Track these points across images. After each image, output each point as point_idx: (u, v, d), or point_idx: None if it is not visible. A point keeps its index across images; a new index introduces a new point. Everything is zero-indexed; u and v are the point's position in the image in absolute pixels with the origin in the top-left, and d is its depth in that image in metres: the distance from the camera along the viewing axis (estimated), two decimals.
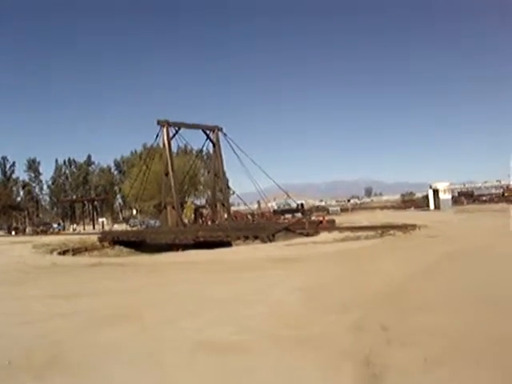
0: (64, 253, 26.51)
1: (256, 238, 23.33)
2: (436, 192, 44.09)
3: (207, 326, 6.54)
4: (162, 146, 34.29)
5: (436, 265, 11.02)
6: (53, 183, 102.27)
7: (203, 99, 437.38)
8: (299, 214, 42.13)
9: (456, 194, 61.12)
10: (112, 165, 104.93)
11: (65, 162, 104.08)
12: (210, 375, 4.69)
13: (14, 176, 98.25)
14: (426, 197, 47.93)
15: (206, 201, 60.02)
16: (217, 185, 38.50)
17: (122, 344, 5.93)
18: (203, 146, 39.49)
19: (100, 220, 61.50)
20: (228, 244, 23.70)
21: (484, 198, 60.63)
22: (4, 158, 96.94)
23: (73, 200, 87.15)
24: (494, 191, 70.25)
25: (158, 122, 33.38)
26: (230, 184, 60.53)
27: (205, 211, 46.29)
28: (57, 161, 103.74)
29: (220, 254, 18.80)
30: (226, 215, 36.46)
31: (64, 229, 59.60)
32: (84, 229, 55.21)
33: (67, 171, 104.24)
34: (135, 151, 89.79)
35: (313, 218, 34.40)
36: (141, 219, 54.61)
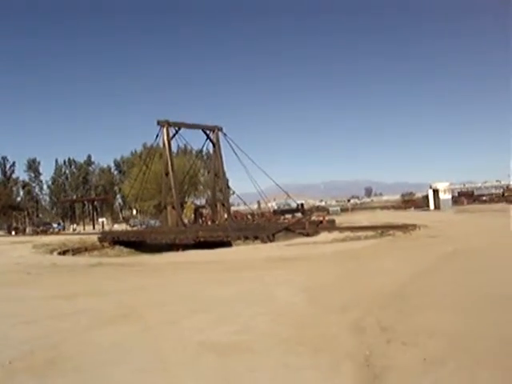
0: (64, 253, 26.56)
1: (256, 238, 23.35)
2: (436, 192, 44.10)
3: (208, 326, 6.56)
4: (162, 145, 34.29)
5: (437, 265, 11.04)
6: (53, 183, 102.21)
7: (203, 99, 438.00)
8: (299, 214, 42.11)
9: (456, 194, 61.15)
10: (112, 165, 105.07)
11: (65, 161, 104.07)
12: (212, 375, 4.69)
13: (14, 176, 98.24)
14: (426, 197, 47.93)
15: (206, 201, 60.04)
16: (217, 185, 38.50)
17: (124, 344, 5.93)
18: (203, 146, 39.56)
19: (100, 220, 61.49)
20: (228, 244, 23.73)
21: (484, 198, 60.62)
22: (4, 158, 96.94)
23: (73, 200, 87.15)
24: (494, 191, 70.35)
25: (158, 122, 33.39)
26: (230, 184, 60.50)
27: (205, 211, 46.32)
28: (57, 161, 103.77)
29: (220, 254, 18.82)
30: (226, 215, 36.48)
31: (64, 229, 59.61)
32: (84, 229, 55.22)
33: (67, 171, 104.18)
34: (135, 151, 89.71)
35: (313, 218, 34.38)
36: (141, 219, 54.60)
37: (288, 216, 44.37)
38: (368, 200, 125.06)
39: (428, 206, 45.42)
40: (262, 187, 36.82)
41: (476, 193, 68.06)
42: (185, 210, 44.99)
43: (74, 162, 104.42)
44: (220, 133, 36.46)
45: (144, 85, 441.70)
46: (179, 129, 34.74)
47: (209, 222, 39.44)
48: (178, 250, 24.77)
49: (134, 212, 60.38)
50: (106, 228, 49.61)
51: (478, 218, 27.71)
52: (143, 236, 31.63)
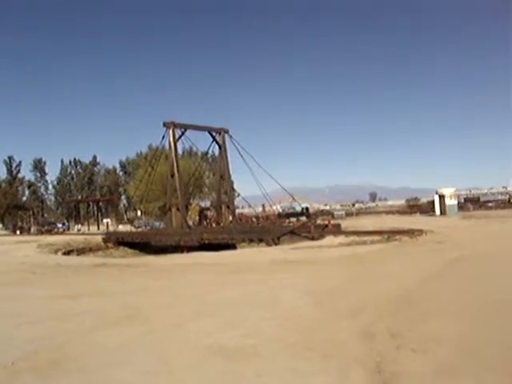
0: (69, 253, 26.65)
1: (261, 240, 23.29)
2: (442, 197, 44.01)
3: (215, 329, 6.48)
4: (167, 147, 34.38)
5: (443, 270, 10.94)
6: (58, 183, 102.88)
7: (209, 101, 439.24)
8: (304, 218, 42.04)
9: (462, 200, 60.96)
10: (117, 166, 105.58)
11: (70, 162, 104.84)
12: (219, 379, 4.62)
13: (19, 176, 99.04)
14: (432, 202, 47.85)
15: (211, 203, 60.06)
16: (222, 187, 38.50)
17: (129, 346, 5.87)
18: (209, 148, 39.64)
19: (105, 221, 61.75)
20: (233, 246, 23.69)
21: (490, 205, 60.48)
22: (10, 158, 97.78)
23: (78, 200, 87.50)
24: (500, 197, 70.05)
25: (164, 124, 33.48)
26: (235, 186, 60.44)
27: (210, 213, 46.34)
28: (62, 161, 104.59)
29: (225, 256, 18.77)
30: (230, 218, 36.45)
31: (69, 229, 59.81)
32: (88, 229, 55.35)
33: (73, 171, 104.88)
34: (141, 152, 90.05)
35: (318, 221, 34.28)
36: (145, 221, 54.69)
37: (293, 219, 44.32)
38: (373, 205, 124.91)
39: (433, 211, 45.31)
40: (267, 190, 36.84)
41: (482, 199, 67.83)
42: (189, 212, 45.01)
43: (80, 162, 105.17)
44: (226, 135, 36.53)
45: (151, 86, 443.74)
46: (185, 130, 34.83)
47: (213, 225, 39.43)
48: (182, 251, 24.76)
49: (139, 213, 60.56)
50: (111, 229, 49.74)
51: (484, 224, 27.54)
52: (148, 237, 31.66)
